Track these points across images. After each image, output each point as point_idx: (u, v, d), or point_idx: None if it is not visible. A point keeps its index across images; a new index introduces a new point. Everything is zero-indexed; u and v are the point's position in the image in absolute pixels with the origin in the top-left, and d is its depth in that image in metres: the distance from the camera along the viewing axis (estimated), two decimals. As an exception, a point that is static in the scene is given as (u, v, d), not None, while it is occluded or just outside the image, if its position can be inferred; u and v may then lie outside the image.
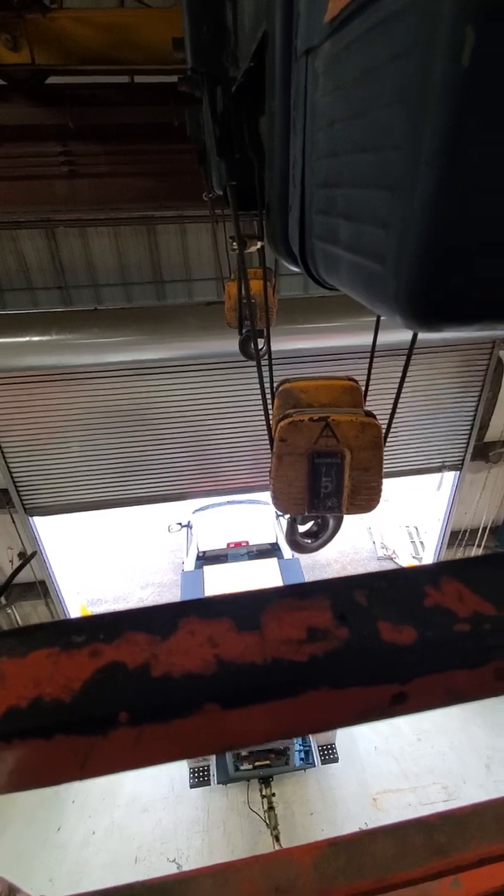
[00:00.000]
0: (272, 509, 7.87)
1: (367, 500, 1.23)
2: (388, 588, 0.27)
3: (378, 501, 1.26)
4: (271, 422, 1.41)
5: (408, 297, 0.36)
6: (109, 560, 10.35)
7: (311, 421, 1.13)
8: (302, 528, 1.55)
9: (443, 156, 0.31)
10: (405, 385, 1.55)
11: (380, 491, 1.25)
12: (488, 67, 0.29)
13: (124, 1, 4.39)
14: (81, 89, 3.92)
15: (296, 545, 1.57)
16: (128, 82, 4.16)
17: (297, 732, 0.26)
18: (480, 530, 7.38)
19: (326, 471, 1.18)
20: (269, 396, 1.64)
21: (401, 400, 1.58)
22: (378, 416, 1.20)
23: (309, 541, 1.53)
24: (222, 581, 5.93)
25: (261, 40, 0.82)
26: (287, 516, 1.52)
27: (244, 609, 0.26)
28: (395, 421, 1.62)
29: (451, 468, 6.97)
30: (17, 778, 0.23)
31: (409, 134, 0.33)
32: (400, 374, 1.48)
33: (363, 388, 1.44)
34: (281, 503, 1.27)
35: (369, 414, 1.19)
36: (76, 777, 0.23)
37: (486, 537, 7.42)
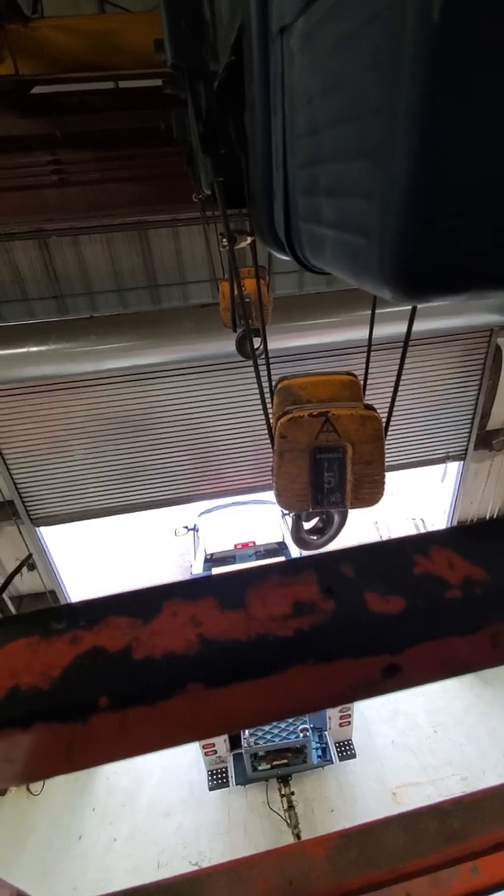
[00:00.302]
0: (278, 508, 7.85)
1: (370, 493, 1.22)
2: (376, 559, 0.26)
3: (382, 494, 1.25)
4: (271, 419, 1.40)
5: (394, 268, 0.35)
6: (118, 567, 10.36)
7: (310, 416, 1.12)
8: (307, 525, 1.54)
9: (420, 116, 0.30)
10: (406, 377, 1.54)
11: (383, 484, 1.23)
12: (459, 22, 0.28)
13: (105, 7, 4.40)
14: (68, 97, 3.93)
15: (302, 542, 1.56)
16: (112, 88, 4.16)
17: (287, 711, 0.25)
18: (487, 519, 7.34)
19: (329, 466, 1.17)
20: (267, 394, 1.63)
21: (402, 392, 1.57)
22: (379, 409, 1.19)
23: (315, 537, 1.52)
24: (231, 582, 5.92)
25: (238, 30, 0.82)
26: (292, 514, 1.51)
27: (229, 588, 0.26)
28: (396, 413, 1.61)
29: (454, 458, 6.93)
30: (2, 772, 0.22)
31: (385, 97, 0.32)
32: (397, 366, 1.47)
33: (362, 383, 1.43)
34: (284, 500, 1.26)
35: (369, 407, 1.18)
36: (64, 768, 0.23)
37: (494, 526, 7.38)
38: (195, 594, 0.26)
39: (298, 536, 1.53)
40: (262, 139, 0.75)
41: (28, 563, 4.84)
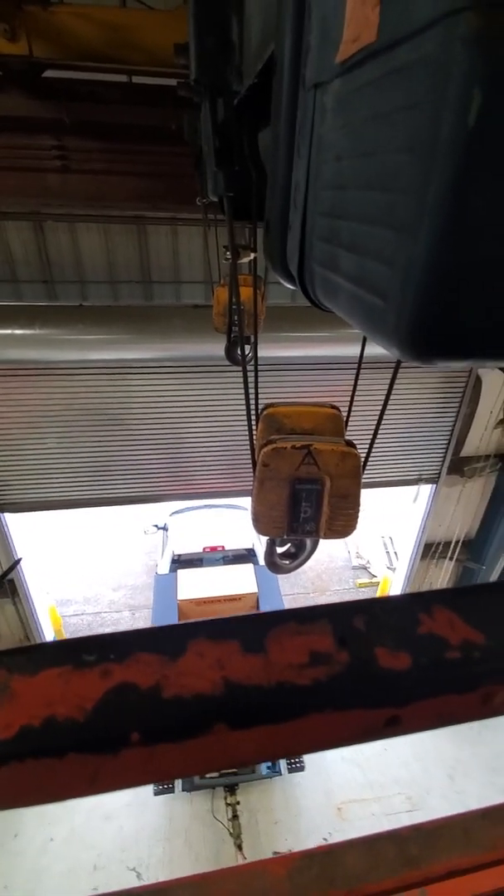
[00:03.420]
0: (249, 514, 7.87)
1: (343, 525, 1.28)
2: (385, 614, 0.29)
3: (354, 528, 1.31)
4: (255, 444, 1.43)
5: (408, 334, 0.37)
6: (82, 561, 10.17)
7: (293, 448, 1.16)
8: (280, 550, 1.59)
9: (449, 204, 0.33)
10: (385, 397, 1.60)
11: (356, 518, 1.29)
12: (493, 127, 0.31)
13: (126, 1, 4.39)
14: (79, 85, 3.89)
15: (274, 566, 1.61)
16: (126, 82, 4.15)
17: (296, 752, 0.27)
18: (453, 543, 7.54)
19: (307, 496, 1.22)
20: (252, 402, 1.66)
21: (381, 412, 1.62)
22: (360, 428, 1.23)
23: (287, 562, 1.58)
24: (196, 585, 5.90)
25: (267, 62, 0.84)
26: (266, 538, 1.54)
27: (250, 631, 0.27)
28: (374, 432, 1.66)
29: (427, 481, 7.11)
30: (27, 795, 0.23)
31: (417, 180, 0.35)
32: (381, 386, 1.52)
33: (345, 414, 1.48)
34: (261, 526, 1.30)
35: (350, 444, 1.23)
36: (84, 793, 0.24)
37: (458, 550, 7.58)
38: (219, 635, 0.27)
39: (271, 560, 1.58)
40: (283, 175, 0.77)
41: (15, 564, 4.74)
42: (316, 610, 0.29)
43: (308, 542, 1.46)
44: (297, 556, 1.51)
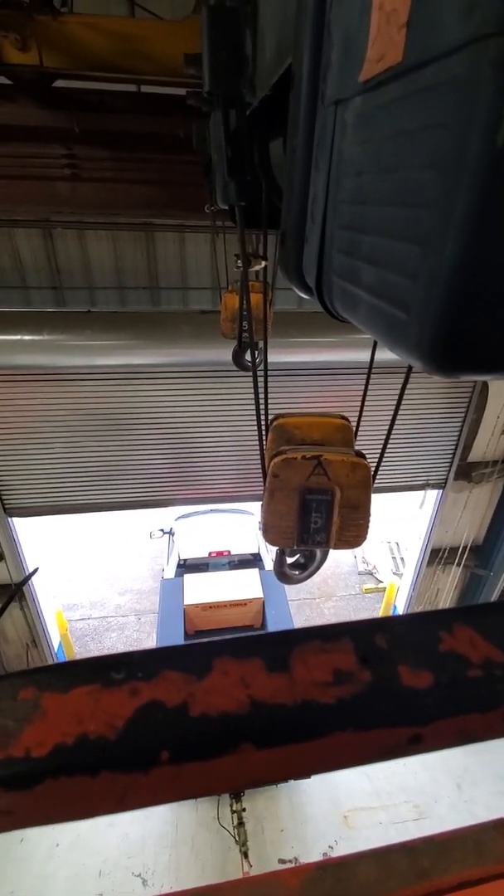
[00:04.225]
0: (255, 519, 7.87)
1: (354, 536, 1.28)
2: (406, 632, 0.29)
3: (365, 538, 1.31)
4: (265, 454, 1.44)
5: (431, 347, 0.38)
6: (88, 565, 10.20)
7: (303, 459, 1.16)
8: (289, 561, 1.59)
9: (474, 221, 0.33)
10: (393, 403, 1.59)
11: (367, 528, 1.29)
12: None
13: (135, 11, 4.45)
14: (89, 94, 3.94)
15: (283, 577, 1.61)
16: (135, 91, 4.19)
17: (319, 770, 0.27)
18: (460, 549, 7.48)
19: (317, 507, 1.22)
20: (262, 407, 1.66)
21: (389, 418, 1.62)
22: (368, 433, 1.23)
23: (297, 572, 1.57)
24: (202, 590, 5.89)
25: (282, 75, 0.84)
26: (276, 549, 1.54)
27: (273, 649, 0.28)
28: (381, 437, 1.66)
29: (434, 486, 7.07)
30: (59, 813, 0.24)
31: (441, 197, 0.36)
32: (389, 391, 1.52)
33: (356, 419, 1.48)
34: (271, 536, 1.30)
35: (360, 454, 1.23)
36: (111, 811, 0.24)
37: (465, 556, 7.52)
38: (243, 654, 0.28)
39: (281, 571, 1.58)
40: (300, 188, 0.78)
41: (31, 575, 4.77)
42: (338, 627, 0.29)
43: (318, 552, 1.46)
44: (307, 566, 1.52)
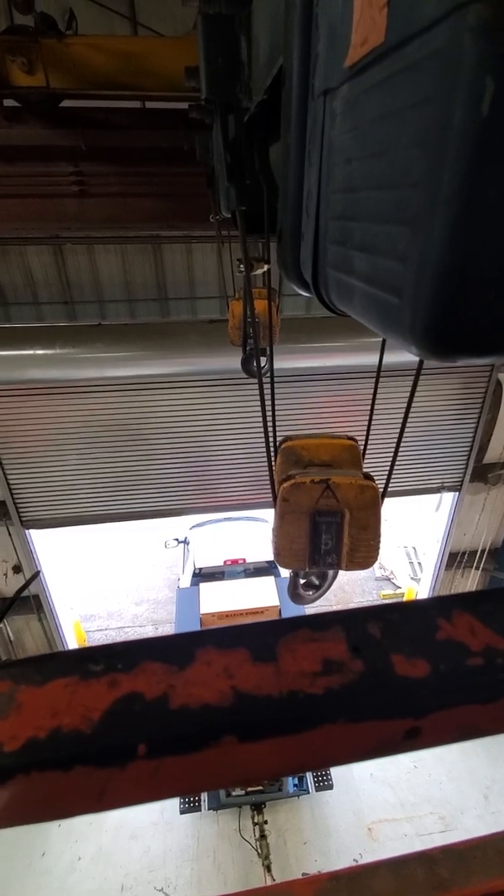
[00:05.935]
0: (269, 527, 7.82)
1: (365, 557, 1.29)
2: (401, 620, 0.27)
3: (375, 559, 1.32)
4: (275, 478, 1.46)
5: (424, 330, 0.37)
6: (105, 575, 10.25)
7: (312, 483, 1.18)
8: (302, 581, 1.60)
9: (461, 196, 0.32)
10: (404, 404, 1.58)
11: (377, 549, 1.29)
12: None
13: (137, 29, 4.55)
14: (94, 112, 4.03)
15: (297, 597, 1.64)
16: (139, 108, 4.28)
17: (311, 766, 0.26)
18: (479, 552, 7.34)
19: (327, 529, 1.23)
20: (269, 412, 1.66)
21: (400, 420, 1.61)
22: (381, 436, 1.23)
23: (310, 592, 1.58)
24: (218, 598, 5.87)
25: (276, 77, 0.85)
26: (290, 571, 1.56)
27: (260, 639, 0.27)
28: (394, 440, 1.65)
29: (450, 489, 6.96)
30: (33, 811, 0.23)
31: (428, 174, 0.35)
32: (399, 394, 1.51)
33: (366, 422, 1.49)
34: (283, 559, 1.31)
35: (368, 476, 1.25)
36: (94, 809, 0.23)
37: (484, 559, 7.37)
38: (227, 644, 0.26)
39: (295, 592, 1.60)
40: (294, 184, 0.78)
41: (33, 578, 4.82)
42: (328, 616, 0.28)
43: (329, 572, 1.46)
44: (320, 586, 1.53)
